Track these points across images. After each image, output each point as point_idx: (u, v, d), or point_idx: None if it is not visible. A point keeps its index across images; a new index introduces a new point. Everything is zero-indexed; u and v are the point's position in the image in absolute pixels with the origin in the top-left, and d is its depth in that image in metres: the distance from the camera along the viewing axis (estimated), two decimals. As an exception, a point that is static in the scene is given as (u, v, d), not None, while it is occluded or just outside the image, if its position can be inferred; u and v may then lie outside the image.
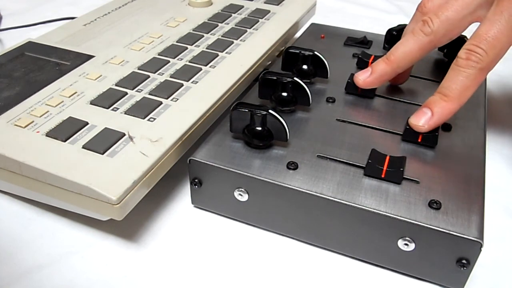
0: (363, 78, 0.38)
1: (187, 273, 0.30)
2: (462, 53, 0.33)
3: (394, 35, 0.45)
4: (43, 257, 0.31)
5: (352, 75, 0.39)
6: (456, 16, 0.34)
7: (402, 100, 0.39)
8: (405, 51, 0.36)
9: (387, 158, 0.31)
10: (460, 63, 0.32)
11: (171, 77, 0.38)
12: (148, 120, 0.33)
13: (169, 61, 0.41)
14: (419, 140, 0.33)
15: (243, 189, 0.31)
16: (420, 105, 0.35)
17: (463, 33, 0.44)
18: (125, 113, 0.34)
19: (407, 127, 0.34)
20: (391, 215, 0.28)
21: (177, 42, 0.44)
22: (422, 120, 0.33)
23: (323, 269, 0.31)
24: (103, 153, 0.30)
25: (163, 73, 0.39)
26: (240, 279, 0.30)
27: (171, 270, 0.30)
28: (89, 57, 0.41)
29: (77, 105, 0.35)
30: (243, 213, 0.33)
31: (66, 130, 0.32)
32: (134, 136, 0.32)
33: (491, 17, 0.32)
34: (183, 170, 0.36)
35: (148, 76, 0.38)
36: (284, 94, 0.36)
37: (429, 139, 0.33)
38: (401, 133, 0.35)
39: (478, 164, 0.32)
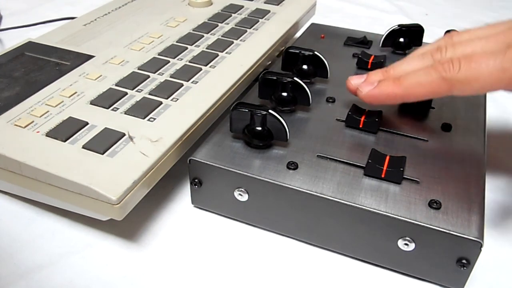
0: (367, 90, 0.34)
1: (187, 273, 0.30)
2: (437, 54, 0.32)
3: (393, 35, 0.45)
4: (43, 257, 0.31)
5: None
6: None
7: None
8: (419, 82, 0.32)
9: (387, 158, 0.31)
10: (435, 64, 0.31)
11: (171, 77, 0.38)
12: (148, 120, 0.33)
13: (169, 61, 0.41)
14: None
15: (243, 189, 0.31)
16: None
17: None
18: (125, 113, 0.34)
19: (349, 113, 0.35)
20: (391, 215, 0.28)
21: (177, 42, 0.44)
22: (366, 89, 0.34)
23: (323, 269, 0.31)
24: (103, 153, 0.30)
25: (163, 73, 0.39)
26: (240, 279, 0.30)
27: (171, 270, 0.30)
28: (89, 57, 0.41)
29: (77, 105, 0.35)
30: (243, 213, 0.33)
31: (66, 130, 0.32)
32: (134, 136, 0.32)
33: (496, 51, 0.29)
34: (183, 170, 0.36)
35: (148, 76, 0.38)
36: (284, 94, 0.36)
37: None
38: (402, 133, 0.35)
39: (478, 164, 0.32)
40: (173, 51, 0.42)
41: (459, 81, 0.30)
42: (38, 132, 0.32)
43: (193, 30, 0.46)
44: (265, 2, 0.54)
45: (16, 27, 0.61)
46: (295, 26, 0.50)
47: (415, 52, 0.35)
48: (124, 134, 0.32)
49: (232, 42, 0.44)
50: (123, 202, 0.28)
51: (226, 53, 0.42)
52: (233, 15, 0.50)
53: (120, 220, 0.29)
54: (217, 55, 0.42)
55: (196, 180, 0.33)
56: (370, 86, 0.34)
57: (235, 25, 0.47)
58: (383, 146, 0.33)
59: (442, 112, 0.38)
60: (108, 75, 0.39)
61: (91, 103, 0.35)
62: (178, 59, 0.41)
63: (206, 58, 0.41)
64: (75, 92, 0.36)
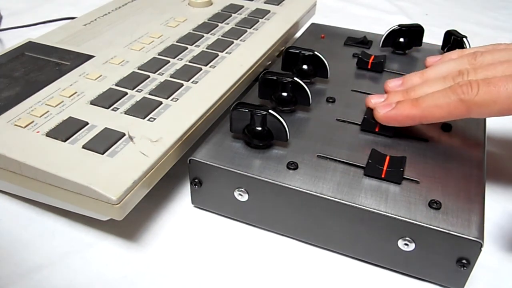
0: (385, 112, 0.33)
1: (187, 273, 0.30)
2: (459, 77, 0.32)
3: (393, 35, 0.45)
4: (43, 257, 0.31)
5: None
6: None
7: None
8: (437, 104, 0.31)
9: (387, 158, 0.31)
10: (453, 86, 0.31)
11: (171, 77, 0.38)
12: (148, 120, 0.33)
13: (169, 61, 0.41)
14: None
15: (243, 189, 0.31)
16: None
17: (463, 34, 0.44)
18: (125, 113, 0.34)
19: (365, 116, 0.35)
20: (391, 215, 0.28)
21: (177, 42, 0.44)
22: (383, 111, 0.33)
23: (323, 269, 0.31)
24: (103, 153, 0.30)
25: (163, 73, 0.39)
26: (240, 279, 0.30)
27: (171, 270, 0.30)
28: (89, 57, 0.41)
29: (77, 105, 0.35)
30: (243, 213, 0.33)
31: (66, 130, 0.32)
32: (134, 136, 0.32)
33: None
34: (183, 170, 0.36)
35: (148, 76, 0.38)
36: (284, 94, 0.36)
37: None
38: (402, 133, 0.35)
39: (478, 164, 0.32)
40: (173, 51, 0.42)
41: (477, 103, 0.30)
42: (38, 132, 0.32)
43: (193, 30, 0.46)
44: (265, 2, 0.54)
45: (16, 27, 0.61)
46: (295, 26, 0.50)
47: (438, 70, 0.35)
48: (124, 134, 0.32)
49: (232, 42, 0.44)
50: (123, 202, 0.28)
51: (226, 53, 0.42)
52: (233, 15, 0.50)
53: (120, 220, 0.29)
54: (217, 55, 0.42)
55: (196, 180, 0.33)
56: (388, 107, 0.33)
57: (235, 25, 0.47)
58: (383, 146, 0.33)
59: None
60: (108, 75, 0.39)
61: (91, 103, 0.35)
62: (178, 59, 0.41)
63: (206, 58, 0.41)
64: (75, 92, 0.36)
